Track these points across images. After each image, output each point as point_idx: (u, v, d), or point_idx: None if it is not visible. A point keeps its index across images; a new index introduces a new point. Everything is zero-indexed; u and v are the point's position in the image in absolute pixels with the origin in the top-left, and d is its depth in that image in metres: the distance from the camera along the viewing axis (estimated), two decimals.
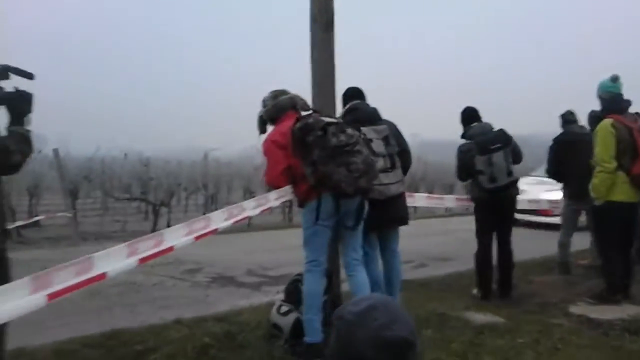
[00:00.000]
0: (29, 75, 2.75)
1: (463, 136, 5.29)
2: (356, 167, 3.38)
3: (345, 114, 4.24)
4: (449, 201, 6.07)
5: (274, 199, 3.46)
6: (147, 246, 2.46)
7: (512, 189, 5.12)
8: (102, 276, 2.17)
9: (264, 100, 3.90)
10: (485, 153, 4.96)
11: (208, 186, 14.02)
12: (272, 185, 3.70)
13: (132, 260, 2.36)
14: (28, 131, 2.74)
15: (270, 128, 3.87)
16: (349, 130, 3.49)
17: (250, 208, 3.25)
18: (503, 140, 5.04)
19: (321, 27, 4.19)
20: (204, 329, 4.24)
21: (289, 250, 7.68)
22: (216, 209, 8.81)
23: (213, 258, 7.63)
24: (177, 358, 3.65)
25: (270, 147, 3.67)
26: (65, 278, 2.00)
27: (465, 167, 5.17)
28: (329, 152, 3.34)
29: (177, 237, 2.68)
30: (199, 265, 7.32)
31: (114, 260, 2.26)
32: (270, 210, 3.83)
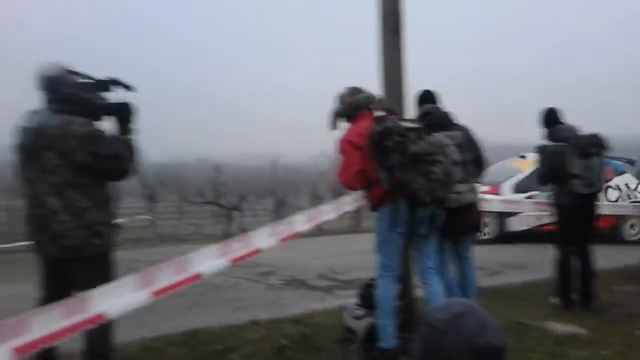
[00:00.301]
0: (129, 87, 2.98)
1: (552, 138, 5.03)
2: (436, 177, 3.35)
3: (419, 119, 4.19)
4: (526, 206, 5.91)
5: (349, 203, 3.50)
6: (236, 247, 2.59)
7: (599, 195, 4.98)
8: (198, 277, 2.31)
9: (340, 97, 3.85)
10: (584, 157, 4.79)
11: (276, 191, 14.31)
12: (346, 186, 3.68)
13: (224, 261, 2.49)
14: (132, 140, 2.96)
15: (341, 125, 3.82)
16: (430, 138, 3.46)
17: (327, 212, 3.33)
18: (600, 144, 4.86)
19: (390, 29, 4.15)
20: (280, 330, 4.36)
21: (358, 255, 7.70)
22: (285, 214, 8.98)
23: (285, 261, 7.79)
24: (255, 358, 3.78)
25: (346, 147, 3.63)
26: (167, 276, 2.15)
27: (556, 170, 4.91)
28: (407, 159, 3.32)
29: (263, 239, 2.80)
30: (273, 268, 7.49)
31: (207, 261, 2.40)
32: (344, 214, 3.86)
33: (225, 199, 13.03)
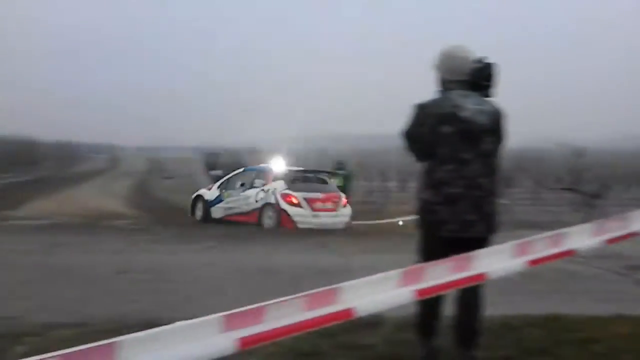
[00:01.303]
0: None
1: None
2: None
3: None
4: None
5: None
6: (613, 227, 2.47)
7: None
8: (571, 252, 2.35)
9: None
10: None
11: None
12: None
13: (598, 240, 2.42)
14: None
15: None
16: None
17: None
18: None
19: None
20: None
21: None
22: None
23: None
24: (624, 353, 3.52)
25: None
26: (542, 248, 2.26)
27: None
28: None
29: None
30: None
31: (581, 238, 2.39)
32: None
33: (587, 186, 12.11)
